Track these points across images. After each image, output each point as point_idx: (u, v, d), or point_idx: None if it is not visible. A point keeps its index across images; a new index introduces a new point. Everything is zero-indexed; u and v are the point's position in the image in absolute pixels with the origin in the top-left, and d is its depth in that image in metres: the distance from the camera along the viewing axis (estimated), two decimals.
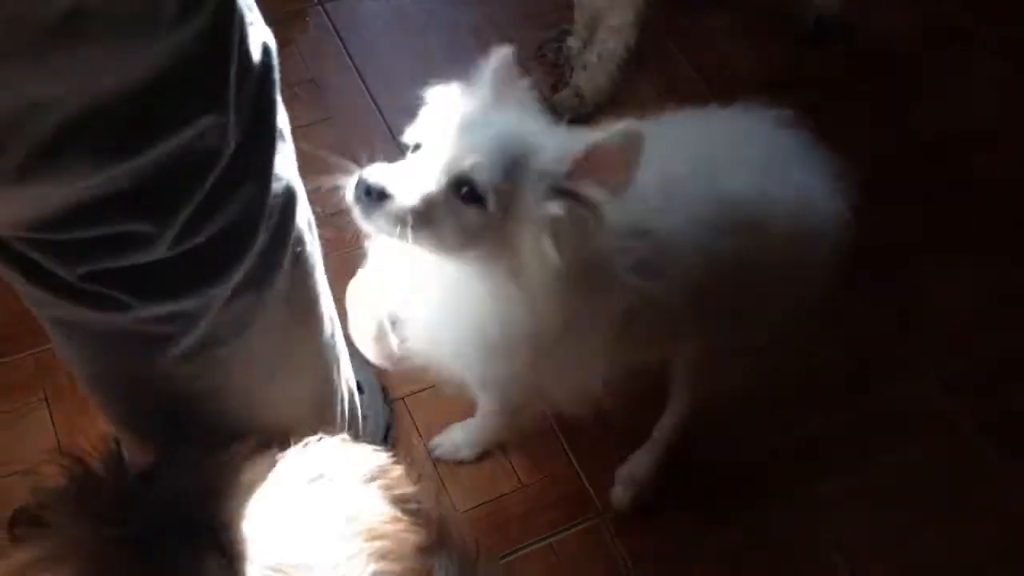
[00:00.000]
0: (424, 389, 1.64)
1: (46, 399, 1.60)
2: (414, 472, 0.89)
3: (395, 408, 1.62)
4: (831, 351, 1.70)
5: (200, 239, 0.80)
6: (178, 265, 0.80)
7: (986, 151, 2.00)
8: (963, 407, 1.66)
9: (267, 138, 0.84)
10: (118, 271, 0.78)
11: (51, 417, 1.58)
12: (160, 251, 0.78)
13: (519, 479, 1.56)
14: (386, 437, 1.58)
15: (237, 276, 0.85)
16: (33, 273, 0.79)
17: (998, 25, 2.22)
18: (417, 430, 1.61)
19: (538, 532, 1.51)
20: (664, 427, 1.57)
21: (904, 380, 1.70)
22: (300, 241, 0.94)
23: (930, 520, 1.56)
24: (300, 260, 0.96)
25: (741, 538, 1.53)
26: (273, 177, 0.86)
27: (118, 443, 0.87)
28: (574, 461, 1.59)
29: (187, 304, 0.84)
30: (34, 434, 1.57)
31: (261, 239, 0.86)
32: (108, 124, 0.70)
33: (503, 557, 1.48)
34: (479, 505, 1.53)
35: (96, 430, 1.56)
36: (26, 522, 0.76)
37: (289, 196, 0.90)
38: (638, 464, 1.56)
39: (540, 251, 1.03)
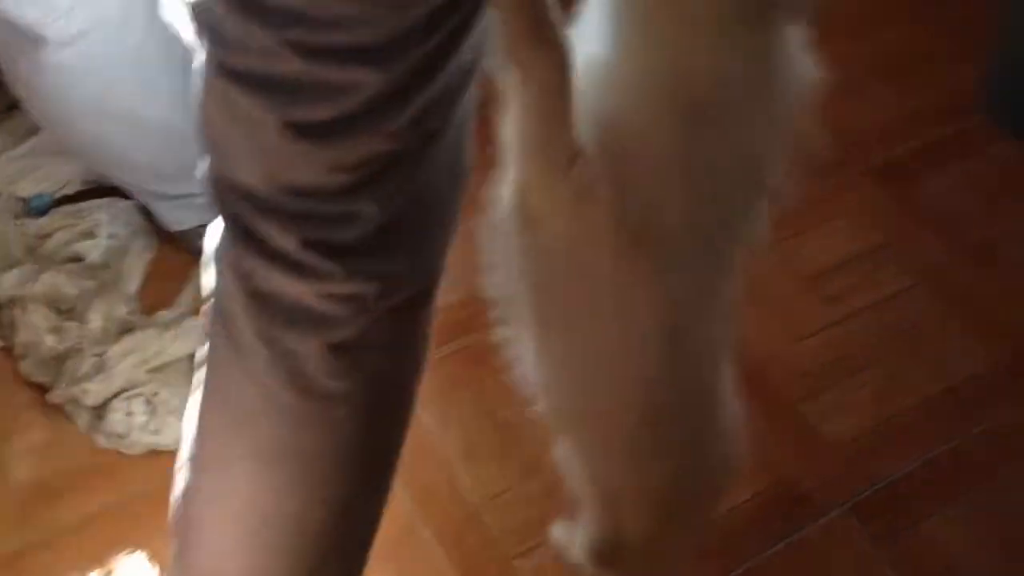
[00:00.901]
0: None
1: None
2: None
3: None
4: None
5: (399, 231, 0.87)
6: (375, 247, 0.87)
7: None
8: (868, 530, 1.59)
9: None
10: (330, 244, 0.85)
11: None
12: (365, 230, 0.85)
13: None
14: None
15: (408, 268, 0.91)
16: (256, 245, 0.86)
17: None
18: None
19: None
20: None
21: (811, 502, 1.62)
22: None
23: None
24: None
25: None
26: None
27: None
28: None
29: (367, 288, 0.88)
30: None
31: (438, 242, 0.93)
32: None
33: None
34: None
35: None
36: None
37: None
38: None
39: None
